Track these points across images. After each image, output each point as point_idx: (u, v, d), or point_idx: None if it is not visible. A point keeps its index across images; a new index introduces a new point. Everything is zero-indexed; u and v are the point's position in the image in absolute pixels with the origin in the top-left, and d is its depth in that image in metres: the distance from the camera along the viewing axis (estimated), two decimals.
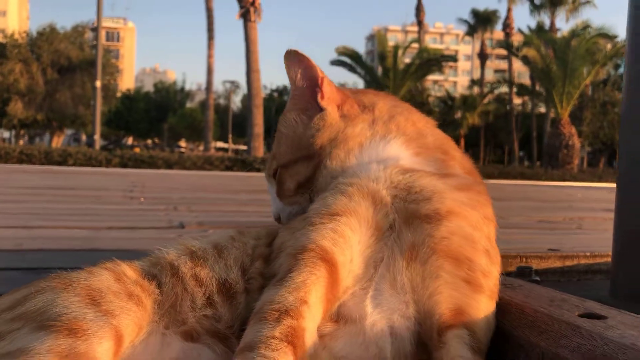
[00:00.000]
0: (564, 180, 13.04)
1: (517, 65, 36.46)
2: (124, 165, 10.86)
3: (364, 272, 0.54)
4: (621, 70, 44.49)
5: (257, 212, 2.51)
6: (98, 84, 11.54)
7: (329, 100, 0.66)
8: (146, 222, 1.92)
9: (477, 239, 0.56)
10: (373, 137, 0.63)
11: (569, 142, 15.61)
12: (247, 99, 17.22)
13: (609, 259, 1.20)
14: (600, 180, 13.45)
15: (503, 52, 39.48)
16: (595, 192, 6.60)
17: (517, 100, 37.72)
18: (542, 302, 0.60)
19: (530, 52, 16.11)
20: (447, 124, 33.27)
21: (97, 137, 11.70)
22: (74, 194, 3.22)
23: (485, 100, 32.24)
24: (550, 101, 16.88)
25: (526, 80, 35.20)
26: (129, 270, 0.58)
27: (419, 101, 32.79)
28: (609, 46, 19.28)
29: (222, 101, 46.13)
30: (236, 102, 47.49)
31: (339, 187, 0.58)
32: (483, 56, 40.22)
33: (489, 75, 60.98)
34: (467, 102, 31.99)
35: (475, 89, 45.44)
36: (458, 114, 32.85)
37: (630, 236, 1.16)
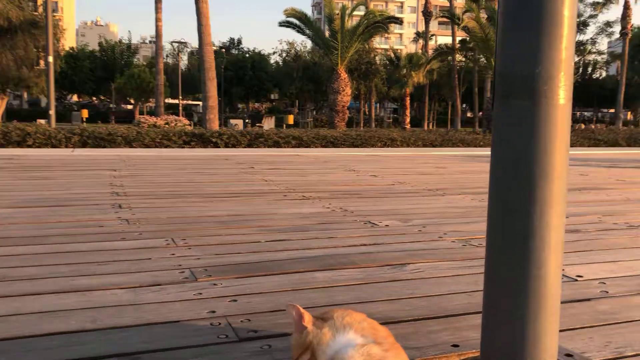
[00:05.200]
0: None
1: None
2: (84, 143, 11.10)
3: None
4: None
5: (242, 240, 3.13)
6: (50, 59, 11.56)
7: (308, 322, 1.27)
8: (163, 275, 2.49)
9: None
10: (338, 331, 1.25)
11: None
12: (200, 72, 17.39)
13: None
14: None
15: (447, 3, 39.97)
16: None
17: (458, 56, 38.72)
18: None
19: (470, 22, 16.95)
20: (394, 82, 34.11)
21: (52, 112, 11.80)
22: (65, 222, 3.72)
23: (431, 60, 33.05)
24: (490, 68, 17.76)
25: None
26: None
27: (367, 60, 33.43)
28: None
29: (169, 60, 45.40)
30: (184, 59, 46.88)
31: None
32: (427, 14, 40.92)
33: (434, 27, 61.90)
34: (413, 61, 32.79)
35: (420, 42, 46.11)
36: (404, 71, 33.64)
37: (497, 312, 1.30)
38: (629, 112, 51.07)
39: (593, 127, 23.45)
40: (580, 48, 48.87)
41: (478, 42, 17.45)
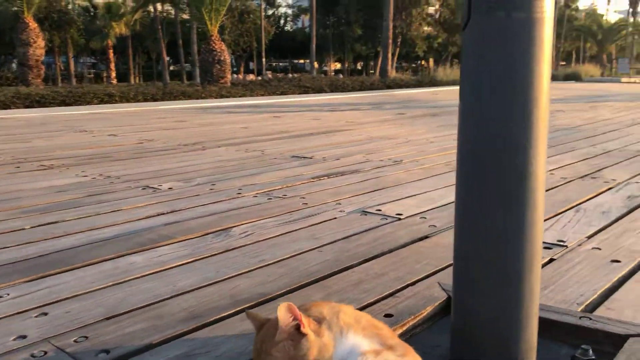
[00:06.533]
0: (222, 96, 14.03)
1: None
2: None
3: None
4: None
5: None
6: None
7: (307, 327, 0.90)
8: None
9: None
10: (336, 336, 0.92)
11: (221, 58, 16.62)
12: None
13: None
14: (252, 94, 14.90)
15: None
16: (264, 121, 7.40)
17: (161, 6, 37.34)
18: None
19: None
20: (93, 33, 31.12)
21: None
22: None
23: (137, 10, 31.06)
24: (201, 18, 17.44)
25: None
26: None
27: (58, 9, 29.71)
28: None
29: None
30: None
31: None
32: None
33: None
34: (112, 11, 30.34)
35: None
36: (102, 22, 30.90)
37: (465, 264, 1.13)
38: (315, 63, 56.32)
39: (291, 75, 25.28)
40: (276, 3, 51.57)
41: None
